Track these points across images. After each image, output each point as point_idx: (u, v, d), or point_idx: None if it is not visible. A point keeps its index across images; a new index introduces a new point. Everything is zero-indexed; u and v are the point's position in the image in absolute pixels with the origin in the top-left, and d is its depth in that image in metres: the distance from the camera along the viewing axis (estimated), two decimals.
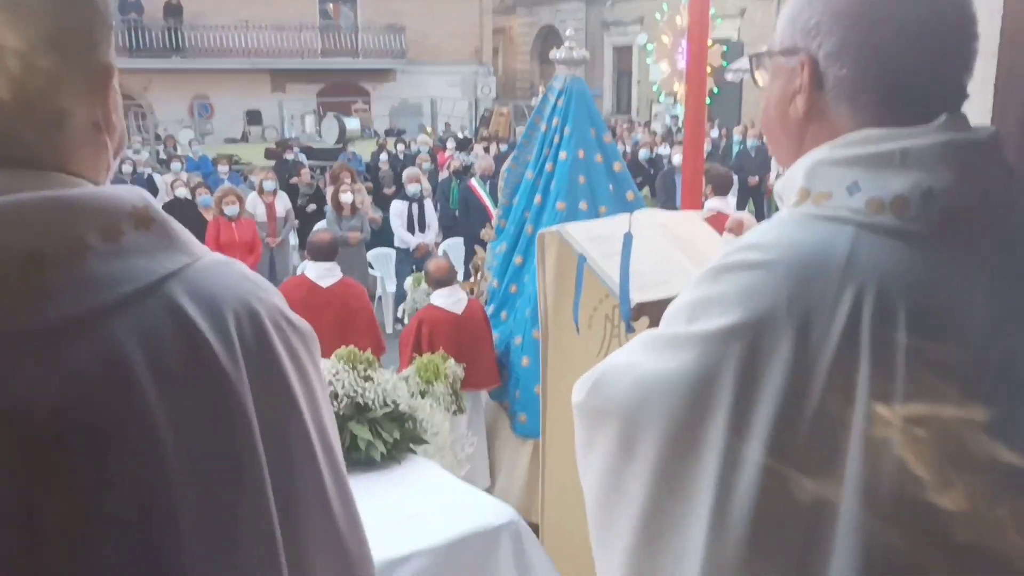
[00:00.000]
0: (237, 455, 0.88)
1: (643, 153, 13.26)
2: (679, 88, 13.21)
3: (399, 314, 8.15)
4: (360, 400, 2.67)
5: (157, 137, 20.06)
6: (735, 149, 14.30)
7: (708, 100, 4.03)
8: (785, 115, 1.09)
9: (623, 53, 28.09)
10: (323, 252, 5.25)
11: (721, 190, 6.09)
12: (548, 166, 4.67)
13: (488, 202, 8.56)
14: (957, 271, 0.96)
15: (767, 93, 1.14)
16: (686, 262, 2.09)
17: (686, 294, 1.07)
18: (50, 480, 0.79)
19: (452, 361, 4.03)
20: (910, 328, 0.92)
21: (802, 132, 1.08)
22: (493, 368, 4.68)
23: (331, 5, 27.86)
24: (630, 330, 1.97)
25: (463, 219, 9.28)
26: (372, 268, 9.19)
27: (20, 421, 0.78)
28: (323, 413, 1.01)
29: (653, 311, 1.80)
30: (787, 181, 1.07)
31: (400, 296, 8.21)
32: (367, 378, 2.73)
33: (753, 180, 12.10)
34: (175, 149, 16.75)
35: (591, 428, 1.18)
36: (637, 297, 1.88)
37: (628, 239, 2.00)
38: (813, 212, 1.00)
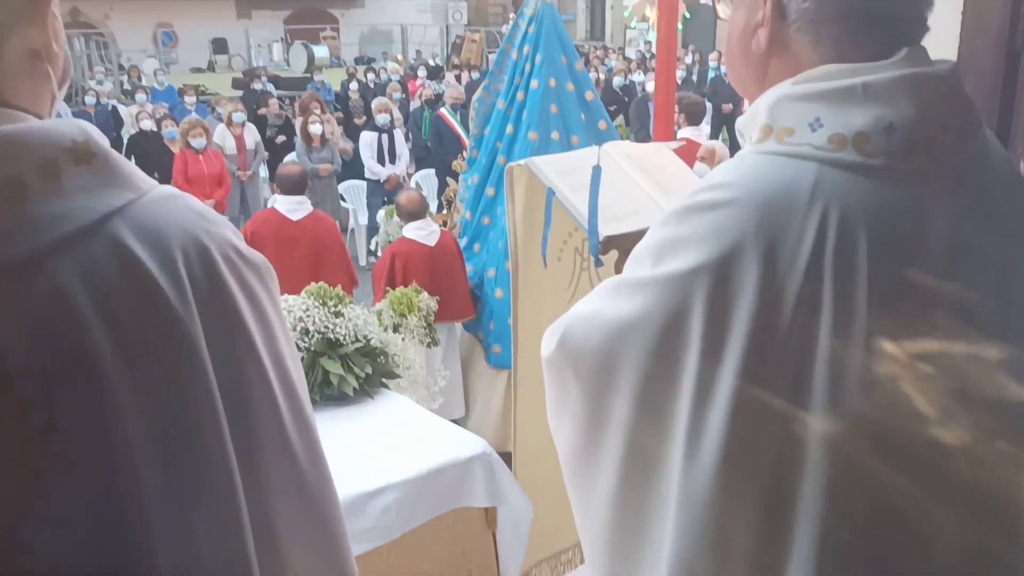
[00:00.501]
0: (190, 395, 0.87)
1: (617, 80, 13.12)
2: (651, 13, 12.99)
3: (372, 246, 8.12)
4: (331, 336, 2.68)
5: (120, 67, 19.47)
6: (710, 76, 14.15)
7: (680, 25, 3.97)
8: (747, 48, 1.08)
9: None
10: (293, 185, 5.19)
11: (694, 119, 6.07)
12: (519, 95, 4.60)
13: (461, 132, 8.43)
14: (918, 199, 0.97)
15: (729, 25, 1.12)
16: (655, 194, 2.08)
17: (651, 235, 1.06)
18: (2, 420, 0.79)
19: (426, 294, 4.02)
20: (872, 253, 0.94)
21: (764, 65, 1.08)
22: (467, 300, 4.69)
23: None
24: (599, 264, 1.97)
25: (436, 149, 9.18)
26: (344, 200, 9.11)
27: None
28: (281, 347, 0.99)
29: (622, 244, 1.79)
30: (749, 117, 1.06)
31: (373, 228, 8.15)
32: (337, 314, 2.73)
33: (727, 107, 12.01)
34: (139, 80, 16.32)
35: (563, 381, 1.17)
36: (606, 230, 1.87)
37: (597, 172, 1.98)
38: (776, 149, 1.00)
